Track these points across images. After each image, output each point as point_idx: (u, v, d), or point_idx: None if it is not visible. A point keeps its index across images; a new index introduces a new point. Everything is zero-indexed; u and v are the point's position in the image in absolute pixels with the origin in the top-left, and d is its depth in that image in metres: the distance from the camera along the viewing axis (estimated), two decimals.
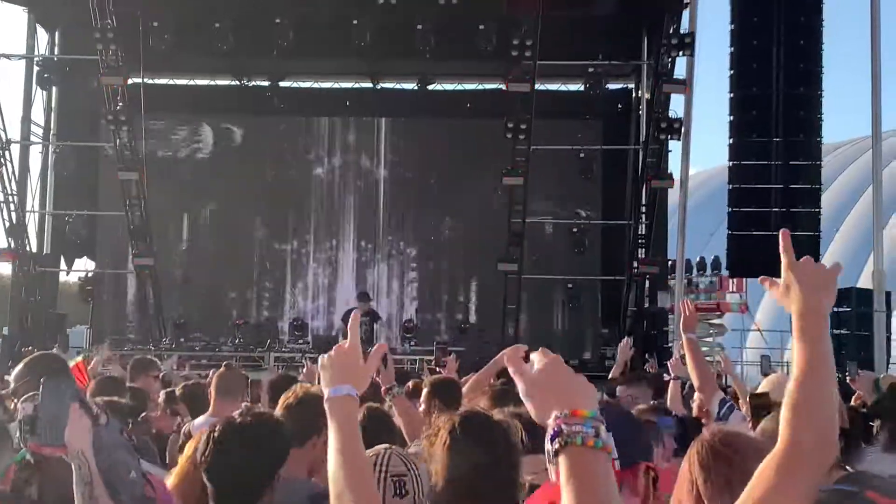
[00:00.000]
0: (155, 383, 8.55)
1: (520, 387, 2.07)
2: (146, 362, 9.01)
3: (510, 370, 2.10)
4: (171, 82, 27.16)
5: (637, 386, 7.59)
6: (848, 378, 10.29)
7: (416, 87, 26.77)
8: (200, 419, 6.42)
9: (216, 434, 3.52)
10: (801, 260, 2.42)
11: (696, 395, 6.19)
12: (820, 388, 2.28)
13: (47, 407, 3.06)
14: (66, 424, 3.04)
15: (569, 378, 2.05)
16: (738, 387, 7.79)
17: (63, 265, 26.88)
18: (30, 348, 15.45)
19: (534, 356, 2.09)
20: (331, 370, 2.79)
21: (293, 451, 3.72)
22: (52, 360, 5.10)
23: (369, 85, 26.92)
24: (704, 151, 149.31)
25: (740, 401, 6.30)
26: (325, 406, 2.74)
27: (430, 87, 26.74)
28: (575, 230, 25.26)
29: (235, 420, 3.61)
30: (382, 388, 5.82)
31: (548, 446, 1.98)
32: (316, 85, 27.59)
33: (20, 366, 4.84)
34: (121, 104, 22.82)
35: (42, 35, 26.14)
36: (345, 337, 2.99)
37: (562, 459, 1.94)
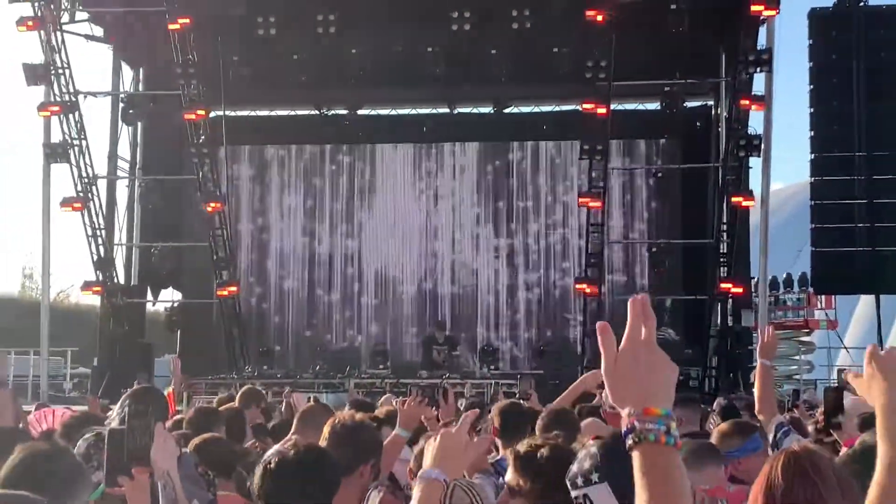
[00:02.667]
0: (262, 414, 8.92)
1: (603, 363, 2.14)
2: (254, 393, 9.29)
3: (599, 340, 2.15)
4: (252, 114, 28.29)
5: (687, 407, 7.32)
6: None
7: (492, 111, 27.46)
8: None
9: (272, 466, 3.73)
10: (886, 351, 2.39)
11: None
12: None
13: (134, 427, 3.07)
14: (152, 445, 3.09)
15: (650, 371, 2.09)
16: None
17: (150, 296, 27.68)
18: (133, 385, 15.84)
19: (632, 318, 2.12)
20: (433, 452, 3.11)
21: (342, 478, 3.93)
22: (151, 392, 5.39)
23: (446, 110, 27.75)
24: (787, 167, 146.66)
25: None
26: (415, 481, 3.11)
27: (507, 111, 27.44)
28: (654, 250, 25.56)
29: (289, 452, 3.83)
30: (440, 424, 5.89)
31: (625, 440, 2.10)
32: (393, 112, 28.44)
33: (123, 398, 4.97)
34: (203, 137, 23.73)
35: (126, 72, 27.32)
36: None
37: (635, 455, 2.07)
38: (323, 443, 4.44)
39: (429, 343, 24.07)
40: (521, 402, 7.98)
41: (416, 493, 3.04)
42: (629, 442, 2.06)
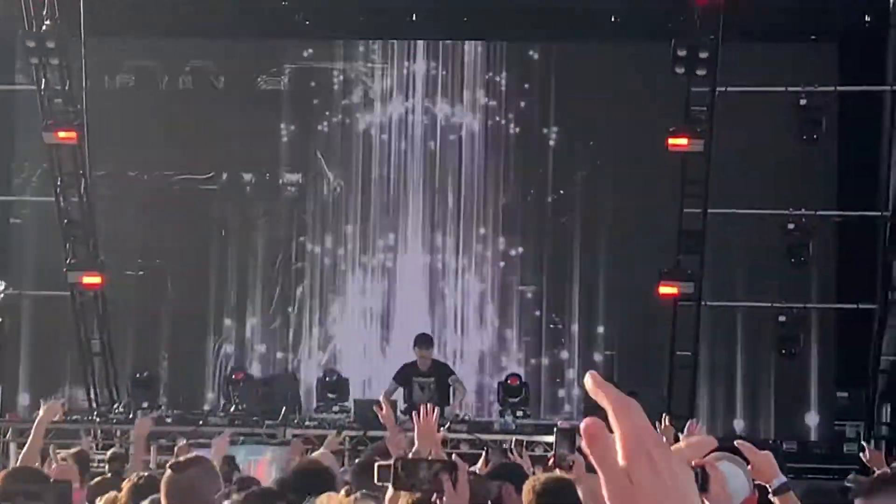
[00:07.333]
0: None
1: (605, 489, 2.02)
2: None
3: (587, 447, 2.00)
4: None
5: (887, 495, 6.71)
6: None
7: None
8: None
9: None
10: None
11: None
12: None
13: None
14: None
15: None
16: None
17: None
18: None
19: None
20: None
21: None
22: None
23: None
24: None
25: None
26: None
27: None
28: (791, 226, 22.09)
29: None
30: None
31: None
32: None
33: None
34: (48, 22, 21.74)
35: None
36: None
37: None
38: None
39: (408, 374, 20.99)
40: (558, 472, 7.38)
41: None
42: None
